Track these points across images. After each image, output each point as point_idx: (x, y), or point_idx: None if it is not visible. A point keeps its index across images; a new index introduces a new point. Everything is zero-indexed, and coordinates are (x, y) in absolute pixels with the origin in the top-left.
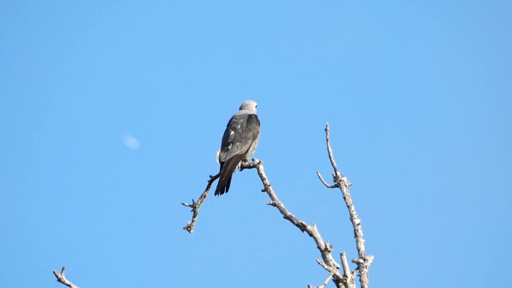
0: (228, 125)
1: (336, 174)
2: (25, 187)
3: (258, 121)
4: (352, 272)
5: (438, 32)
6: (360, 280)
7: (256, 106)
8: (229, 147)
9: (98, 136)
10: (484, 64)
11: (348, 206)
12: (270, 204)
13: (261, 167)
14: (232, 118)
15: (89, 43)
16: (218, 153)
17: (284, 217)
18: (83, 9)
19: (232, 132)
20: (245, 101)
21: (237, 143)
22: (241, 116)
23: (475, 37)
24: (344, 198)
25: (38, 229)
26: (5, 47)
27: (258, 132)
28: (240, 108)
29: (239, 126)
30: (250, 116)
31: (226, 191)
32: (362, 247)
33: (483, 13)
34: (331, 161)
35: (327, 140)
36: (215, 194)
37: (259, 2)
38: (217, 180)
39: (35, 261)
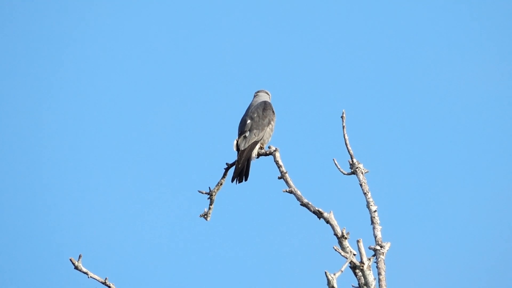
0: (245, 114)
1: (352, 161)
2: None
3: (273, 109)
4: (369, 259)
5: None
6: (377, 267)
7: (270, 95)
8: (247, 135)
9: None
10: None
11: (365, 193)
12: (286, 191)
13: (277, 154)
14: (249, 107)
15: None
16: (235, 141)
17: (301, 204)
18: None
19: (249, 121)
20: (259, 91)
21: (254, 131)
22: (257, 106)
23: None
24: (361, 185)
25: (54, 217)
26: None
27: (273, 119)
28: (254, 97)
29: (255, 115)
30: (265, 103)
31: (245, 180)
32: (379, 234)
33: (483, 13)
34: (347, 148)
35: (343, 127)
36: (232, 181)
37: None
38: (233, 168)
39: (52, 249)
